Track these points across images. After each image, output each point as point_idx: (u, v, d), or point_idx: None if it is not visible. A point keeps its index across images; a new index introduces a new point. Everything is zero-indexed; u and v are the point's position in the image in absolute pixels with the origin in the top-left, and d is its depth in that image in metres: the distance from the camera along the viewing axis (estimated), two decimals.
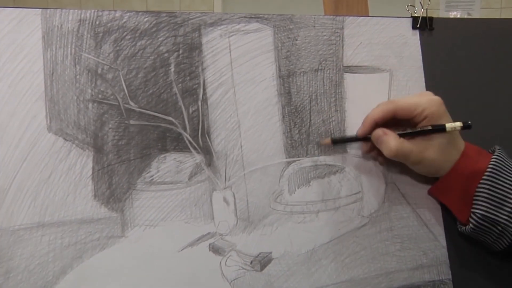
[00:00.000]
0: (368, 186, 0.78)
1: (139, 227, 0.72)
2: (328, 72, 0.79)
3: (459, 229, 0.75)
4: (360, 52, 0.80)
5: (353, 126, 0.77)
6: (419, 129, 0.71)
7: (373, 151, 0.77)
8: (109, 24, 0.73)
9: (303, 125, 0.78)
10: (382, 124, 0.73)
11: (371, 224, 0.77)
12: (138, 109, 0.73)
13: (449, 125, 0.70)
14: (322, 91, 0.79)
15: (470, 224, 0.72)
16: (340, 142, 0.78)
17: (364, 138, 0.75)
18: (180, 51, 0.75)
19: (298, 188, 0.77)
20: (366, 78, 0.80)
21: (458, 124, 0.70)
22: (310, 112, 0.78)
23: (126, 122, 0.72)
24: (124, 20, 0.74)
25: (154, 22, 0.74)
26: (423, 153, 0.71)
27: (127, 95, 0.73)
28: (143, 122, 0.73)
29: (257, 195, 0.75)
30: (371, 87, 0.80)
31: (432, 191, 0.77)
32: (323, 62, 0.79)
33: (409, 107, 0.72)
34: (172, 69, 0.74)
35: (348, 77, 0.79)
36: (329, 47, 0.79)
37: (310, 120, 0.78)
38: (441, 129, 0.70)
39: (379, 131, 0.73)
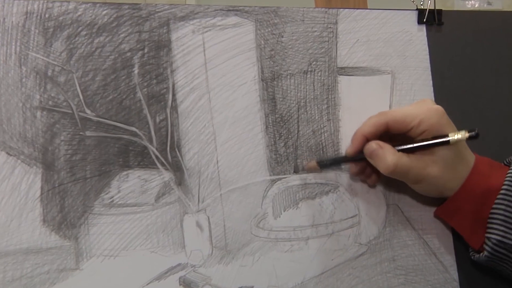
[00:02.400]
0: (366, 209, 0.78)
1: (96, 257, 0.71)
2: (319, 74, 0.79)
3: (472, 257, 0.75)
4: (356, 51, 0.80)
5: (349, 138, 0.77)
6: (419, 142, 0.71)
7: (365, 172, 0.77)
8: (61, 18, 0.72)
9: (290, 136, 0.78)
10: (374, 139, 0.73)
11: (370, 253, 0.77)
12: (95, 118, 0.72)
13: (453, 135, 0.69)
14: (312, 96, 0.79)
15: (485, 252, 0.71)
16: (327, 166, 0.78)
17: (355, 158, 0.75)
18: (145, 50, 0.74)
19: (284, 211, 0.76)
20: (363, 82, 0.80)
21: (463, 133, 0.69)
22: (298, 121, 0.78)
23: (81, 133, 0.72)
24: (79, 13, 0.73)
25: (114, 16, 0.74)
26: (425, 169, 0.71)
27: (83, 101, 0.72)
28: (101, 133, 0.72)
29: (236, 219, 0.75)
30: (369, 92, 0.80)
31: (439, 213, 0.77)
32: (314, 62, 0.79)
33: (403, 118, 0.72)
34: (136, 71, 0.74)
35: (343, 80, 0.79)
36: (321, 45, 0.79)
37: (298, 131, 0.78)
38: (444, 141, 0.70)
39: (372, 144, 0.72)
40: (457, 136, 0.69)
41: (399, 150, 0.71)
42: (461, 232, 0.75)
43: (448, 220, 0.76)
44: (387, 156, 0.70)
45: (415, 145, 0.71)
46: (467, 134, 0.69)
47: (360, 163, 0.75)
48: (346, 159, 0.77)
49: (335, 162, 0.78)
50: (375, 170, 0.74)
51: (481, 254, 0.72)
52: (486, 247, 0.71)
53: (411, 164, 0.70)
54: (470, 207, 0.72)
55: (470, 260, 0.76)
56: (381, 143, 0.72)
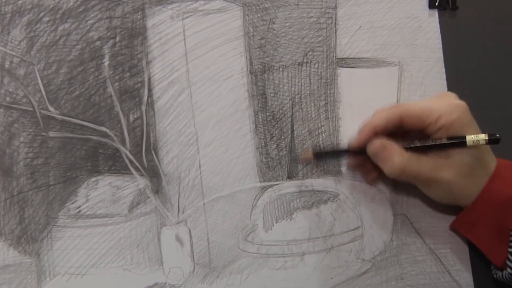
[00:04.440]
0: (371, 220, 0.78)
1: (61, 276, 0.71)
2: (316, 66, 0.79)
3: (494, 276, 0.74)
4: (359, 39, 0.80)
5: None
6: (432, 142, 0.70)
7: (365, 167, 0.77)
8: (20, 2, 0.73)
9: (282, 137, 0.78)
10: (384, 135, 0.72)
11: (375, 271, 0.77)
12: (59, 117, 0.72)
13: (470, 138, 0.69)
14: (308, 91, 0.78)
15: (508, 269, 0.71)
16: (324, 157, 0.78)
17: (357, 152, 0.74)
18: (117, 39, 0.74)
19: (276, 223, 0.76)
20: (367, 74, 0.80)
21: (482, 137, 0.69)
22: (292, 120, 0.78)
23: (43, 134, 0.72)
24: None
25: None
26: (438, 173, 0.70)
27: (45, 97, 0.72)
28: (66, 134, 0.72)
29: (221, 232, 0.75)
30: (374, 86, 0.80)
31: (455, 226, 0.77)
32: (310, 53, 0.79)
33: (420, 113, 0.71)
34: (107, 63, 0.74)
35: (343, 73, 0.79)
36: (318, 33, 0.79)
37: (292, 131, 0.78)
38: (460, 143, 0.69)
39: (377, 144, 0.71)
40: (475, 139, 0.69)
41: (408, 149, 0.71)
42: (481, 247, 0.74)
43: (467, 234, 0.76)
44: (394, 157, 0.70)
45: (426, 144, 0.70)
46: (486, 138, 0.69)
47: (361, 157, 0.75)
48: (347, 152, 0.76)
49: (334, 154, 0.78)
50: (376, 167, 0.73)
51: (504, 272, 0.72)
52: (510, 263, 0.70)
53: (421, 167, 0.70)
54: (491, 217, 0.71)
55: (492, 279, 0.75)
56: (386, 142, 0.71)
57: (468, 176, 0.70)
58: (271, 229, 0.76)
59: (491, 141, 0.69)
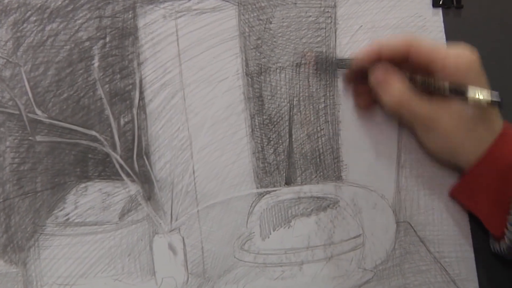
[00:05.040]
0: (372, 227, 0.77)
1: (49, 286, 0.71)
2: (315, 67, 0.78)
3: (492, 248, 0.75)
4: (360, 39, 0.80)
5: (351, 142, 0.77)
6: (434, 82, 0.70)
7: (358, 88, 0.77)
8: (6, 1, 0.73)
9: (280, 141, 0.77)
10: (390, 63, 0.73)
11: (377, 281, 0.77)
12: (47, 120, 0.72)
13: (473, 92, 0.68)
14: (306, 94, 0.78)
15: (506, 239, 0.71)
16: (324, 63, 0.77)
17: (358, 72, 0.74)
18: (107, 39, 0.74)
19: (274, 231, 0.76)
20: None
21: (486, 94, 0.68)
22: (290, 123, 0.78)
23: (30, 138, 0.72)
24: None
25: None
26: (437, 118, 0.70)
27: (32, 100, 0.72)
28: (54, 138, 0.72)
29: (216, 240, 0.75)
30: None
31: (455, 194, 0.77)
32: (308, 54, 0.78)
33: (429, 49, 0.71)
34: (96, 64, 0.74)
35: (343, 75, 0.79)
36: (317, 33, 0.79)
37: (290, 135, 0.78)
38: (460, 92, 0.69)
39: (381, 68, 0.72)
40: (477, 94, 0.68)
41: (414, 80, 0.71)
42: (480, 215, 0.74)
43: (466, 201, 0.76)
44: (394, 86, 0.71)
45: (426, 80, 0.71)
46: (489, 96, 0.68)
47: (357, 74, 0.75)
48: (347, 64, 0.76)
49: (335, 63, 0.78)
50: (371, 94, 0.74)
51: (502, 243, 0.72)
52: (508, 233, 0.70)
53: (421, 106, 0.70)
54: (493, 182, 0.71)
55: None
56: (391, 68, 0.72)
57: (468, 131, 0.70)
58: (268, 237, 0.76)
59: (493, 102, 0.68)
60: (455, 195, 0.77)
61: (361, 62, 0.74)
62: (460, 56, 0.70)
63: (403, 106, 0.70)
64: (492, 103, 0.68)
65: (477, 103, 0.68)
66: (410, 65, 0.72)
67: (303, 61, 0.77)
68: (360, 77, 0.75)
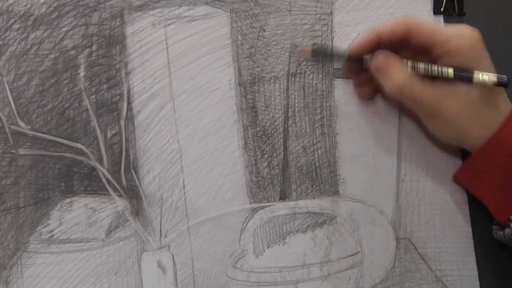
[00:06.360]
0: (371, 244, 0.78)
1: None
2: (310, 77, 0.79)
3: (495, 235, 0.75)
4: None
5: (348, 155, 0.77)
6: (437, 68, 0.70)
7: (359, 77, 0.77)
8: None
9: (274, 154, 0.78)
10: (388, 47, 0.72)
11: None
12: (30, 133, 0.72)
13: (478, 74, 0.69)
14: (302, 105, 0.79)
15: (511, 224, 0.71)
16: (321, 54, 0.77)
17: (357, 60, 0.74)
18: (94, 47, 0.74)
19: (268, 248, 0.76)
20: None
21: (492, 77, 0.69)
22: (285, 135, 0.78)
23: (13, 151, 0.72)
24: (10, 1, 0.74)
25: (54, 5, 0.74)
26: (441, 101, 0.70)
27: (15, 111, 0.72)
28: (38, 151, 0.72)
29: (207, 258, 0.75)
30: (374, 98, 0.79)
31: (459, 177, 0.77)
32: (304, 63, 0.79)
33: (430, 29, 0.71)
34: (82, 74, 0.74)
35: (340, 85, 0.79)
36: (313, 41, 0.79)
37: (285, 148, 0.78)
38: (466, 77, 0.69)
39: (380, 55, 0.72)
40: (482, 77, 0.69)
41: (416, 67, 0.71)
42: (484, 199, 0.74)
43: (471, 184, 0.76)
44: (396, 72, 0.70)
45: (429, 67, 0.71)
46: (495, 79, 0.68)
47: (356, 64, 0.75)
48: (345, 56, 0.75)
49: (332, 55, 0.77)
50: (372, 82, 0.74)
51: (506, 230, 0.72)
52: None
53: (424, 91, 0.70)
54: (500, 165, 0.71)
55: None
56: (391, 55, 0.72)
57: (475, 114, 0.70)
58: (262, 255, 0.76)
59: (500, 83, 0.68)
60: (459, 178, 0.77)
61: (359, 50, 0.73)
62: (462, 38, 0.70)
63: (405, 93, 0.70)
64: (498, 83, 0.68)
65: (483, 84, 0.69)
66: (410, 47, 0.72)
67: (298, 49, 0.77)
68: (359, 67, 0.74)
